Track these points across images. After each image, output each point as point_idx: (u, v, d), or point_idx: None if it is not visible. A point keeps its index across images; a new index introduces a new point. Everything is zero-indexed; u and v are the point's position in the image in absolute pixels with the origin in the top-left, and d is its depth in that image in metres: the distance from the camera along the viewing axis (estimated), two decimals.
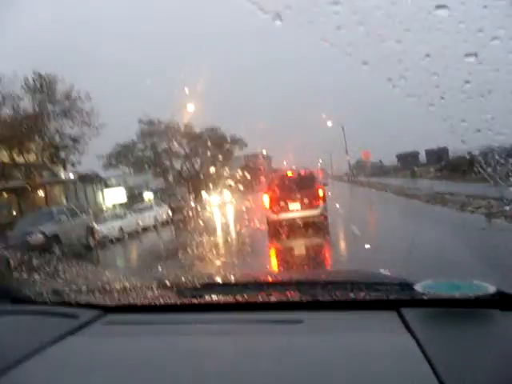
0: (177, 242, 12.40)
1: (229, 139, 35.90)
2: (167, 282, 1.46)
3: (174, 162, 34.85)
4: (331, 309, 1.25)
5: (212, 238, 11.19)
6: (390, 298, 1.25)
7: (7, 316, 1.33)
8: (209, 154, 33.47)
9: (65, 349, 1.09)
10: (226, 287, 1.47)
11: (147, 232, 17.70)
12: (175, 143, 33.42)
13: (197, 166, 35.13)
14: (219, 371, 0.97)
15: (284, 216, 10.57)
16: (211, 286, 1.46)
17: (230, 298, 1.35)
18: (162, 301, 1.36)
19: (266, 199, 11.05)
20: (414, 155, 32.02)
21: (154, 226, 18.74)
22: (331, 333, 1.14)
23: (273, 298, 1.33)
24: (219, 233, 13.17)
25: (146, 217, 18.91)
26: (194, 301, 1.37)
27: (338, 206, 13.41)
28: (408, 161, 32.47)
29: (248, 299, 1.33)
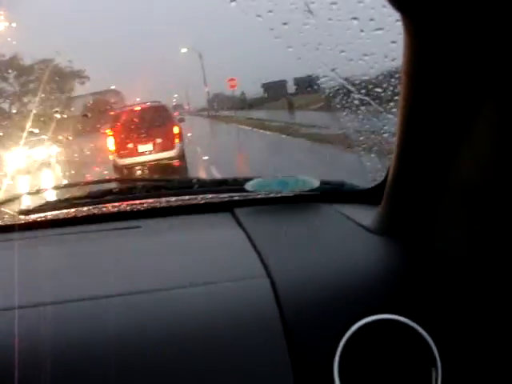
0: None
1: (69, 73, 33.70)
2: None
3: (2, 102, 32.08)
4: (167, 215, 1.40)
5: None
6: (223, 200, 1.43)
7: None
8: (45, 90, 31.17)
9: None
10: (59, 203, 1.59)
11: None
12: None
13: (31, 107, 32.69)
14: (55, 272, 1.07)
15: (133, 160, 10.37)
16: (43, 205, 1.57)
17: (63, 214, 1.47)
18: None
19: (110, 141, 10.65)
20: (281, 84, 32.98)
21: None
22: (167, 234, 1.32)
23: (110, 209, 1.47)
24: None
25: None
26: (24, 220, 1.44)
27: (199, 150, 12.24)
28: (276, 91, 33.36)
29: (82, 213, 1.45)
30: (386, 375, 0.87)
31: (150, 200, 1.51)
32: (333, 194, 1.41)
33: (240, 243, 1.18)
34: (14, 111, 32.00)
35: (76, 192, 1.77)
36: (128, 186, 1.75)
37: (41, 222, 1.42)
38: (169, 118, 11.49)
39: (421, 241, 0.98)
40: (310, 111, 22.02)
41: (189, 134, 12.64)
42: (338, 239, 1.16)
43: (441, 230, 0.94)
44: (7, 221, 1.46)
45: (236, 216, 1.33)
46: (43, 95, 31.83)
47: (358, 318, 0.88)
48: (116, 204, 1.52)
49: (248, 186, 1.37)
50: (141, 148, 10.57)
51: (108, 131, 10.98)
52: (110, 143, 10.64)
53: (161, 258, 1.16)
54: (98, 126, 14.79)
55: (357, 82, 1.39)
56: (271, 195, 1.39)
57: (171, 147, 10.72)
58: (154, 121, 10.94)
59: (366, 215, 1.18)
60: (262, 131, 17.12)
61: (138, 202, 1.52)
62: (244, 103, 33.15)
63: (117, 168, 10.28)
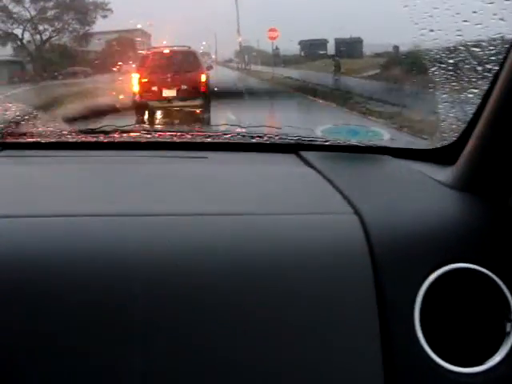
0: None
1: (92, 3, 33.46)
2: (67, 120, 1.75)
3: (14, 27, 32.07)
4: (233, 150, 1.54)
5: None
6: (290, 142, 1.51)
7: None
8: (63, 20, 31.11)
9: None
10: (128, 128, 1.74)
11: None
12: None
13: (45, 37, 32.71)
14: (133, 190, 1.19)
15: (155, 104, 10.64)
16: (113, 128, 1.72)
17: (134, 138, 1.64)
18: (64, 138, 1.61)
19: (134, 81, 10.99)
20: (321, 43, 32.35)
21: None
22: (234, 165, 1.43)
23: (178, 139, 1.61)
24: None
25: None
26: (98, 139, 1.61)
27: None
28: (314, 50, 32.67)
29: (151, 139, 1.61)
30: (463, 323, 0.95)
31: (214, 133, 1.65)
32: (402, 149, 1.50)
33: (314, 180, 1.27)
34: (28, 40, 31.89)
35: (141, 117, 1.98)
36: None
37: (111, 142, 1.58)
38: (198, 64, 11.78)
39: (498, 198, 1.09)
40: (359, 78, 20.17)
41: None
42: (416, 190, 1.24)
43: None
44: (74, 138, 1.62)
45: (303, 158, 1.42)
46: (61, 25, 31.82)
47: (440, 265, 0.97)
48: (182, 134, 1.65)
49: (317, 130, 1.52)
50: (165, 92, 10.85)
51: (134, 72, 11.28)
52: (135, 84, 10.98)
53: (232, 186, 1.26)
54: (120, 64, 15.10)
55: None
56: (339, 142, 1.47)
57: (197, 95, 11.02)
58: (183, 66, 11.26)
59: (437, 171, 1.29)
60: (310, 98, 14.25)
61: (202, 134, 1.65)
62: (278, 59, 31.88)
63: (139, 108, 10.56)
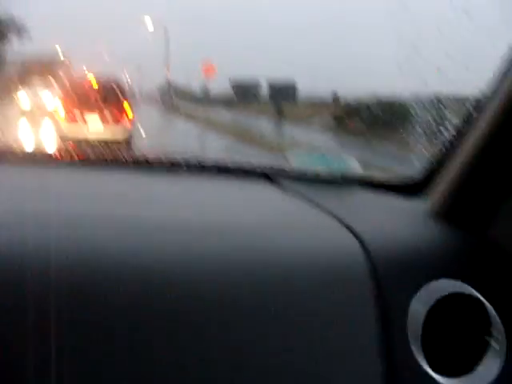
0: None
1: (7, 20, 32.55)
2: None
3: None
4: (203, 172, 1.60)
5: None
6: (261, 166, 1.61)
7: None
8: None
9: None
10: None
11: None
12: None
13: None
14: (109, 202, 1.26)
15: (79, 130, 10.89)
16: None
17: (113, 156, 1.69)
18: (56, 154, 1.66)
19: (59, 108, 11.67)
20: (254, 86, 32.81)
21: None
22: (208, 187, 1.52)
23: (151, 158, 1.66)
24: None
25: None
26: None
27: None
28: (247, 92, 32.96)
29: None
30: (449, 335, 1.08)
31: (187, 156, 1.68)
32: (372, 181, 1.61)
33: (294, 202, 1.40)
34: None
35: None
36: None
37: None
38: (122, 94, 12.56)
39: (476, 229, 1.26)
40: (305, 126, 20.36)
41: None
42: (393, 218, 1.38)
43: (500, 223, 1.23)
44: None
45: (276, 182, 1.54)
46: None
47: (429, 278, 1.11)
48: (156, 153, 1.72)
49: (290, 157, 1.66)
50: (90, 120, 11.19)
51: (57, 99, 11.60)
52: (60, 110, 11.38)
53: (214, 204, 1.35)
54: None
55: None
56: (308, 171, 1.58)
57: (120, 123, 11.85)
58: (107, 95, 11.68)
59: (408, 202, 1.45)
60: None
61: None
62: (205, 99, 31.12)
63: (61, 137, 10.80)
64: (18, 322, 0.89)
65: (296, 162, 1.66)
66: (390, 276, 1.10)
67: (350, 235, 1.17)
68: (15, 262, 0.94)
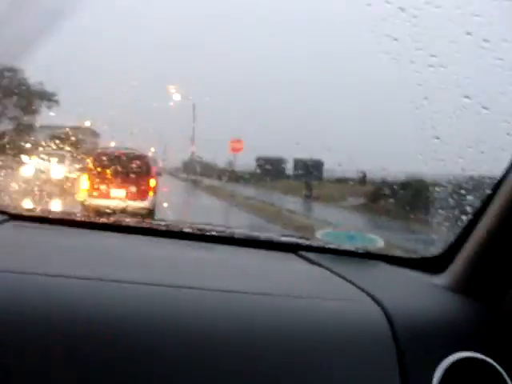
0: None
1: (39, 92, 33.50)
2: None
3: None
4: (236, 244, 1.73)
5: None
6: (290, 241, 1.76)
7: None
8: (5, 105, 31.27)
9: None
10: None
11: None
12: None
13: None
14: (137, 267, 1.32)
15: (103, 202, 11.14)
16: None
17: (148, 224, 1.87)
18: (79, 217, 1.87)
19: (83, 180, 11.88)
20: (279, 162, 32.98)
21: None
22: (240, 256, 1.65)
23: (185, 229, 1.79)
24: None
25: None
26: (100, 220, 1.85)
27: None
28: (272, 169, 33.04)
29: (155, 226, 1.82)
30: None
31: (217, 227, 1.86)
32: (396, 257, 1.72)
33: (320, 274, 1.48)
34: None
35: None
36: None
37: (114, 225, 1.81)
38: (148, 169, 12.96)
39: (492, 301, 1.37)
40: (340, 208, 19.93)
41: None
42: (415, 291, 1.48)
43: None
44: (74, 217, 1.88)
45: (303, 256, 1.63)
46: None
47: (450, 352, 1.18)
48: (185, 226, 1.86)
49: (318, 233, 1.74)
50: (113, 193, 11.51)
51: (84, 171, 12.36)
52: (84, 182, 11.72)
53: (240, 272, 1.44)
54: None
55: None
56: (334, 246, 1.69)
57: (144, 198, 12.08)
58: (133, 169, 12.22)
59: (429, 278, 1.55)
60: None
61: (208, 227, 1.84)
62: (231, 174, 31.50)
63: (85, 207, 11.02)
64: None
65: (322, 237, 1.75)
66: (412, 347, 1.16)
67: (374, 304, 1.24)
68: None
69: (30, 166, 11.58)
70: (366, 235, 1.74)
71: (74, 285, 1.09)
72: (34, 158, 11.95)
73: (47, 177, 12.92)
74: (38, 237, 1.54)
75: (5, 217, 1.64)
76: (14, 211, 1.73)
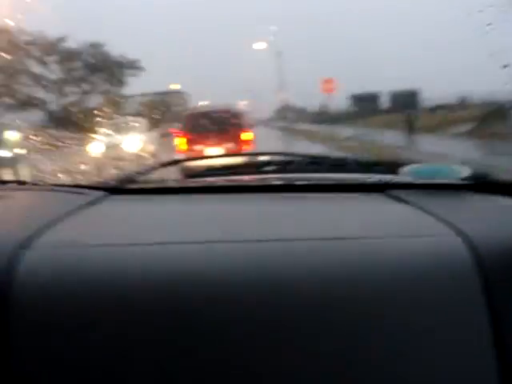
0: None
1: (123, 63, 34.72)
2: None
3: (39, 90, 33.68)
4: (321, 191, 1.69)
5: None
6: (376, 182, 1.72)
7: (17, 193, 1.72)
8: (90, 81, 32.40)
9: (87, 214, 1.40)
10: (224, 170, 1.98)
11: None
12: (39, 62, 32.07)
13: (73, 98, 34.09)
14: (243, 227, 1.31)
15: (201, 163, 11.27)
16: (212, 171, 2.00)
17: (233, 180, 1.85)
18: (171, 183, 1.80)
19: (179, 140, 11.86)
20: (373, 97, 32.75)
21: None
22: (330, 202, 1.61)
23: (272, 181, 1.82)
24: None
25: None
26: (198, 183, 1.83)
27: None
28: (367, 105, 32.96)
29: (253, 182, 1.82)
30: None
31: (304, 175, 1.86)
32: (486, 184, 1.66)
33: (410, 211, 1.45)
34: (52, 102, 32.85)
35: (235, 161, 2.24)
36: (285, 159, 2.08)
37: (210, 186, 1.79)
38: (241, 123, 12.73)
39: None
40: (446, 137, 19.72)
41: None
42: (500, 219, 1.37)
43: None
44: (179, 183, 1.86)
45: (392, 195, 1.60)
46: (88, 87, 33.09)
47: None
48: (276, 176, 1.88)
49: (403, 171, 1.68)
50: (210, 152, 11.44)
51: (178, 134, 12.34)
52: (179, 145, 11.81)
53: (330, 217, 1.43)
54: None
55: None
56: (422, 181, 1.66)
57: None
58: (227, 125, 12.10)
59: None
60: None
61: (294, 175, 1.87)
62: (325, 116, 31.93)
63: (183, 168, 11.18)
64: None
65: (408, 173, 1.70)
66: (498, 273, 1.09)
67: (459, 238, 1.17)
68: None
69: (101, 141, 11.87)
70: (451, 166, 1.67)
71: (186, 250, 1.12)
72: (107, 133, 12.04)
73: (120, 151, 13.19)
74: (142, 207, 1.57)
75: (105, 193, 1.67)
76: (111, 185, 1.75)
